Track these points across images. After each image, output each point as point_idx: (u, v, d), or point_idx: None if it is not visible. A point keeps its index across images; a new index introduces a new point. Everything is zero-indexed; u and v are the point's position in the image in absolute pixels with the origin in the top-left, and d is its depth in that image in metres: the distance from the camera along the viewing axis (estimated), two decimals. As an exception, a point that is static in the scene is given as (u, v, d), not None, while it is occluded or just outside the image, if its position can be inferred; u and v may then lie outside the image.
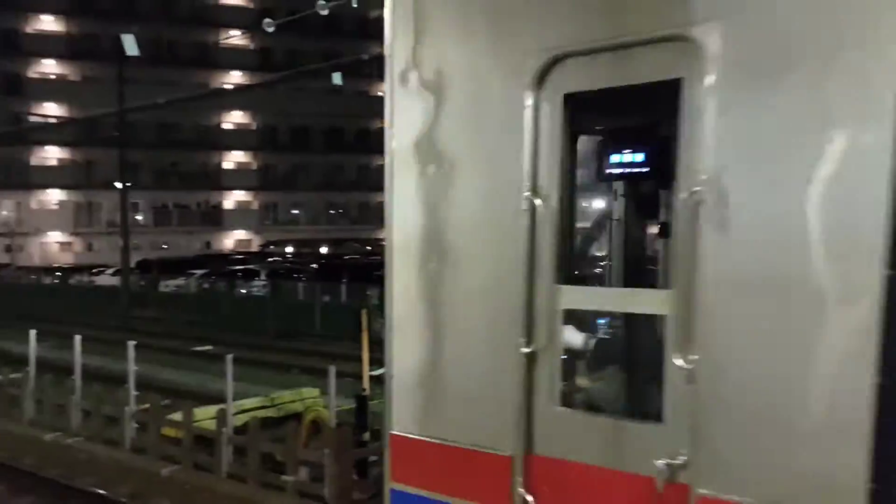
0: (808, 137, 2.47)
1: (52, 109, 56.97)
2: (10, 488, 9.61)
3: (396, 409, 3.65)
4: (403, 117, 3.53)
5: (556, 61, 3.04)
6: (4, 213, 60.22)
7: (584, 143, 3.47)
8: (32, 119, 54.33)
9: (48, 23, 60.32)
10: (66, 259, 58.58)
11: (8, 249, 58.00)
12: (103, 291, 36.98)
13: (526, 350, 3.13)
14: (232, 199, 66.96)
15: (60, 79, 60.45)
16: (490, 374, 3.28)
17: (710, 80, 2.62)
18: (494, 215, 3.24)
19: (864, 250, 2.38)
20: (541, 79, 3.08)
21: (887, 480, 2.33)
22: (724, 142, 2.62)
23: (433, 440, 3.49)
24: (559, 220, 3.11)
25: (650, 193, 3.48)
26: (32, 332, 13.36)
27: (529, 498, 3.17)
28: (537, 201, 3.09)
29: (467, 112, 3.34)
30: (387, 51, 3.54)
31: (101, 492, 9.37)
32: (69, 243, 62.17)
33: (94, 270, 44.20)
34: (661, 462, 2.78)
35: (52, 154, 61.31)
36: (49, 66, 60.66)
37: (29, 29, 59.66)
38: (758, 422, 2.59)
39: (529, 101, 3.08)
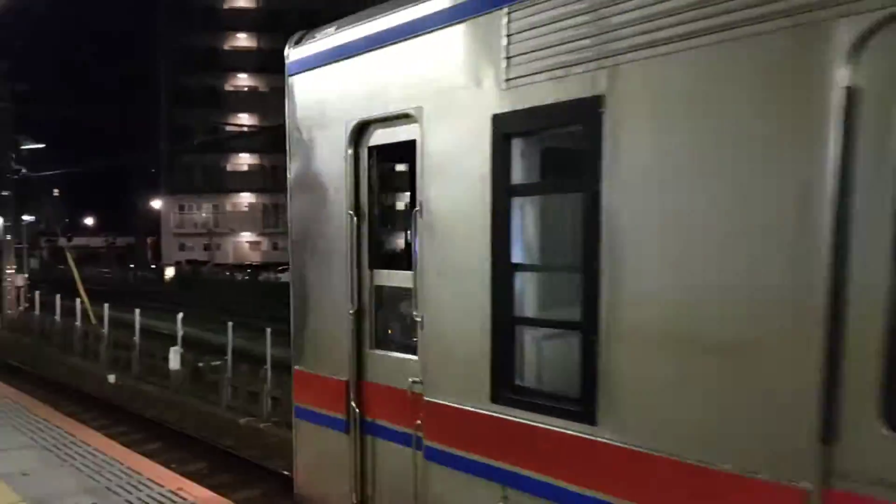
0: (465, 174, 4.10)
1: (244, 119, 61.79)
2: (210, 466, 10.56)
3: (296, 352, 5.53)
4: (293, 160, 5.44)
5: (362, 126, 4.85)
6: (204, 214, 66.12)
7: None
8: (228, 128, 59.23)
9: (242, 40, 65.57)
10: (256, 257, 63.34)
11: (206, 248, 63.62)
12: (287, 288, 39.50)
13: (351, 311, 4.91)
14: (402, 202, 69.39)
15: (252, 91, 65.47)
16: (335, 328, 5.06)
17: (424, 139, 4.34)
18: (335, 225, 5.04)
19: (483, 244, 3.98)
20: (356, 137, 4.89)
21: (500, 388, 3.94)
22: (430, 177, 4.32)
23: (310, 371, 5.40)
24: (370, 228, 4.91)
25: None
26: (230, 325, 14.59)
27: (357, 410, 4.95)
28: (355, 218, 4.89)
29: (321, 157, 5.22)
30: (285, 119, 5.44)
31: (287, 474, 10.08)
32: (258, 242, 67.16)
33: (279, 268, 47.50)
34: (410, 380, 4.49)
35: (243, 160, 66.53)
36: (242, 80, 65.88)
37: (226, 46, 65.17)
38: (449, 352, 4.26)
39: (350, 151, 4.90)
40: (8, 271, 28.37)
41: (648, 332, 3.31)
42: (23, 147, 30.87)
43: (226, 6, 66.08)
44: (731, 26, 2.97)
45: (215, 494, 6.03)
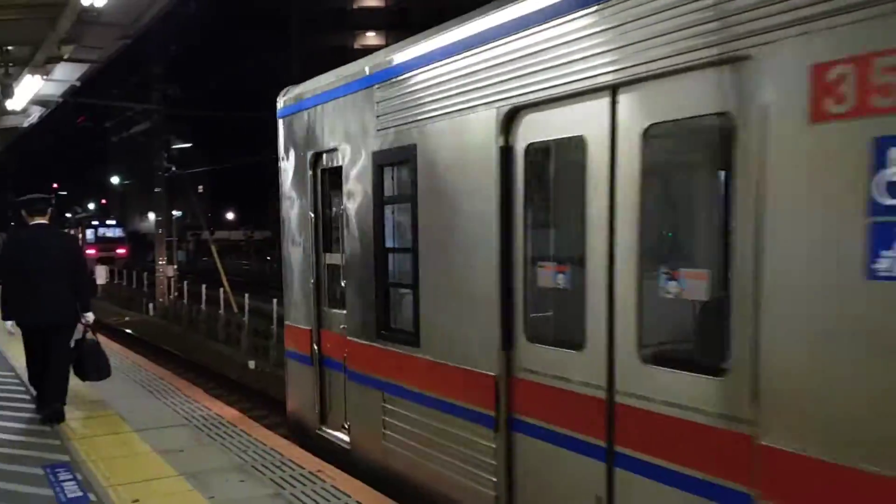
0: (362, 190, 6.46)
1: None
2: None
3: (286, 311, 8.12)
4: (281, 176, 7.98)
5: (317, 155, 7.18)
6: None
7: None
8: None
9: (371, 38, 67.31)
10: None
11: (336, 241, 65.79)
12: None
13: (312, 281, 7.33)
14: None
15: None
16: (305, 293, 7.52)
17: (343, 167, 6.63)
18: (303, 223, 7.48)
19: (370, 235, 6.33)
20: (314, 163, 7.21)
21: (380, 329, 6.28)
22: (347, 191, 6.62)
23: (293, 324, 7.92)
24: (323, 224, 7.25)
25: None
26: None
27: (317, 349, 7.34)
28: (314, 217, 7.27)
29: (296, 176, 7.64)
30: (279, 149, 7.97)
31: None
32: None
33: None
34: (341, 326, 6.81)
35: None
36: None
37: (356, 45, 67.11)
38: (356, 307, 6.55)
39: (311, 173, 7.26)
40: (159, 263, 30.49)
41: (436, 289, 5.53)
42: (173, 147, 33.02)
43: (355, 6, 67.98)
44: (458, 106, 5.15)
45: (351, 477, 6.24)
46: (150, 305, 29.61)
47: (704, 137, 4.21)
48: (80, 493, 5.90)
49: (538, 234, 4.83)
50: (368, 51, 7.30)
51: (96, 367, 8.28)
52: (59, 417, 7.90)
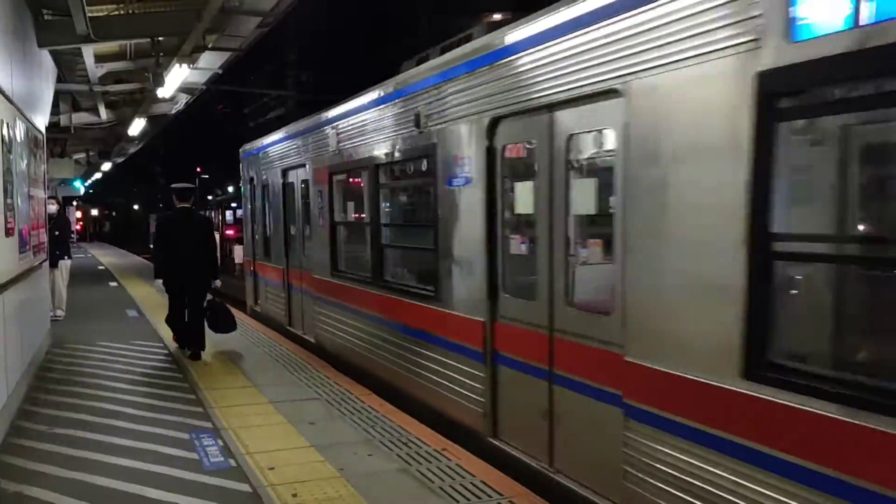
0: (260, 194, 15.22)
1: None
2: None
3: (245, 253, 16.76)
4: (244, 188, 16.22)
5: (251, 178, 15.25)
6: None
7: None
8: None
9: (497, 20, 66.93)
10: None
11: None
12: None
13: (258, 237, 15.06)
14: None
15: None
16: (254, 243, 15.45)
17: (257, 185, 14.99)
18: (256, 206, 15.12)
19: (266, 216, 14.81)
20: (250, 181, 15.48)
21: (263, 254, 15.15)
22: (260, 195, 14.97)
23: (246, 258, 16.32)
24: (254, 208, 15.33)
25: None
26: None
27: (255, 272, 15.24)
28: (250, 206, 15.64)
29: (248, 186, 15.73)
30: (241, 174, 16.30)
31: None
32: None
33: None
34: (257, 256, 15.24)
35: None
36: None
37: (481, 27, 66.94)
38: (259, 244, 15.00)
39: (249, 186, 15.70)
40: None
41: (274, 234, 13.65)
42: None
43: (481, -12, 67.79)
44: (275, 166, 13.35)
45: (476, 458, 6.27)
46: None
47: (304, 185, 11.36)
48: (222, 459, 6.25)
49: (302, 213, 11.82)
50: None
51: (223, 323, 10.66)
52: (197, 357, 10.28)
